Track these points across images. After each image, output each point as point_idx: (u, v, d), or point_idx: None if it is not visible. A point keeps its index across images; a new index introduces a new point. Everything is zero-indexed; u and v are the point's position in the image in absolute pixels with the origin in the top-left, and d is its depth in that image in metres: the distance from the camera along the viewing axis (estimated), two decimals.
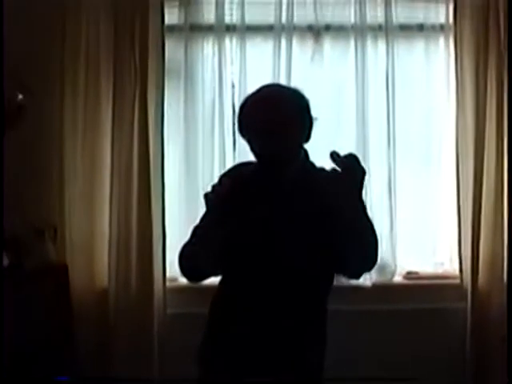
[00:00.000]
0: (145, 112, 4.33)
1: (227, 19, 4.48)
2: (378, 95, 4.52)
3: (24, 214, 4.28)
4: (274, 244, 2.52)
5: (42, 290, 4.19)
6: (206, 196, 2.47)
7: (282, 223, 2.51)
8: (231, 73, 4.51)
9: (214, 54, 4.47)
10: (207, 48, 4.51)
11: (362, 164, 2.45)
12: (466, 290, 4.47)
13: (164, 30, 4.39)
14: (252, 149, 2.56)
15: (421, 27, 4.57)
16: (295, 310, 2.56)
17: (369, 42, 4.50)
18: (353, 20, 4.49)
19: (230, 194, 2.43)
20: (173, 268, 4.00)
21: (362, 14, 4.47)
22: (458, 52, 4.46)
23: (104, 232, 4.38)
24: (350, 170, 2.39)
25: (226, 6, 4.47)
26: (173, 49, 4.46)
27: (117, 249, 4.35)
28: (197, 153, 4.45)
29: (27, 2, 4.29)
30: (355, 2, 4.47)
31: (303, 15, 4.50)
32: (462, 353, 4.46)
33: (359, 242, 2.44)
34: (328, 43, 4.53)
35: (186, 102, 4.47)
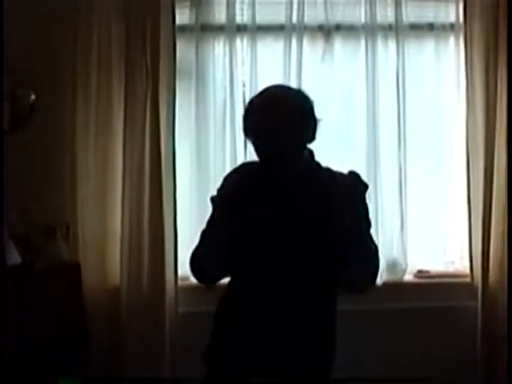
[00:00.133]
0: (156, 112, 4.35)
1: (238, 19, 4.49)
2: (388, 95, 4.53)
3: (37, 213, 4.30)
4: (279, 244, 2.53)
5: (54, 288, 4.20)
6: (212, 200, 2.50)
7: (286, 223, 2.52)
8: (242, 73, 4.52)
9: (225, 53, 4.49)
10: (218, 48, 4.52)
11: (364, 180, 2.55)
12: (477, 288, 4.49)
13: (175, 30, 4.40)
14: (256, 149, 2.57)
15: (431, 26, 4.58)
16: (302, 309, 2.57)
17: (379, 42, 4.52)
18: (363, 20, 4.51)
19: (234, 197, 2.46)
20: (184, 267, 3.99)
21: (373, 14, 4.48)
22: (468, 51, 4.47)
23: (116, 231, 4.40)
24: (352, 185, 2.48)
25: (237, 6, 4.49)
26: (184, 49, 4.48)
27: (129, 248, 4.37)
28: (208, 153, 4.47)
29: (39, 6, 4.31)
30: (365, 2, 4.49)
31: (314, 15, 4.51)
32: (472, 351, 4.47)
33: (357, 247, 2.46)
34: (338, 43, 4.55)
35: (197, 102, 4.49)
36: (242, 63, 4.53)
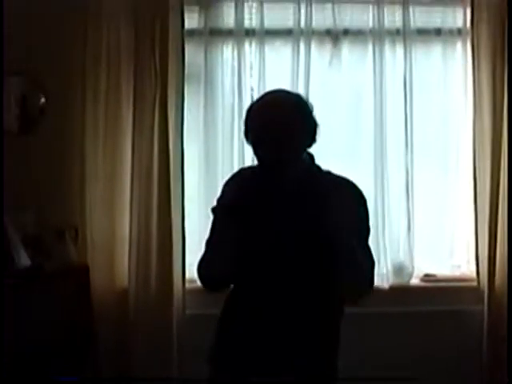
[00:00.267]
0: (165, 116, 4.37)
1: (246, 23, 4.52)
2: (395, 99, 4.55)
3: (46, 215, 4.34)
4: (280, 247, 2.54)
5: (63, 290, 4.23)
6: (214, 210, 2.53)
7: (287, 226, 2.53)
8: (250, 76, 4.54)
9: (233, 58, 4.51)
10: (227, 52, 4.55)
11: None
12: (483, 292, 4.50)
13: (184, 34, 4.43)
14: (256, 153, 2.59)
15: (438, 31, 4.60)
16: (303, 311, 2.57)
17: (387, 47, 4.54)
18: (371, 24, 4.53)
19: (235, 203, 2.47)
20: (192, 269, 4.02)
21: (380, 19, 4.50)
22: (475, 56, 4.49)
23: (124, 233, 4.43)
24: None
25: (246, 11, 4.51)
26: (193, 53, 4.50)
27: (137, 250, 4.40)
28: (216, 156, 4.49)
29: (49, 9, 4.34)
30: (373, 7, 4.51)
31: (322, 19, 4.54)
32: (478, 355, 4.48)
33: (351, 253, 2.46)
34: (346, 47, 4.57)
35: (205, 105, 4.51)
36: (251, 67, 4.54)
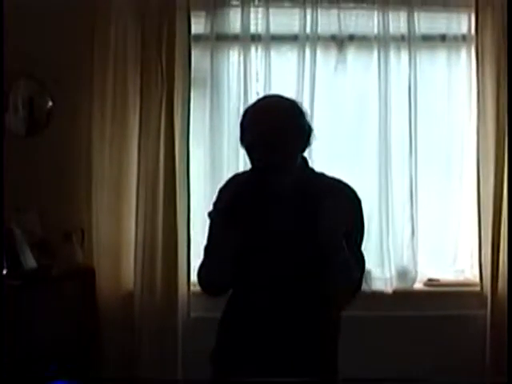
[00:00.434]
0: (171, 120, 4.40)
1: (252, 29, 4.55)
2: (400, 105, 4.57)
3: (52, 218, 4.36)
4: (276, 250, 2.57)
5: (68, 292, 4.26)
6: (210, 215, 2.55)
7: (282, 229, 2.56)
8: (256, 81, 4.56)
9: (239, 63, 4.53)
10: (233, 57, 4.57)
11: None
12: (486, 297, 4.51)
13: (190, 39, 4.46)
14: (249, 157, 2.62)
15: (443, 38, 4.62)
16: (301, 312, 2.59)
17: (392, 53, 4.56)
18: (376, 30, 4.55)
19: (231, 208, 2.49)
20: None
21: (385, 25, 4.53)
22: (480, 62, 4.50)
23: (130, 236, 4.46)
24: None
25: (252, 16, 4.54)
26: (199, 58, 4.53)
27: (143, 253, 4.42)
28: (222, 160, 4.51)
29: (57, 13, 4.37)
30: (378, 13, 4.53)
31: (327, 25, 4.56)
32: (481, 359, 4.50)
33: (342, 255, 2.48)
34: (351, 53, 4.59)
35: (211, 110, 4.53)
36: (256, 72, 4.57)
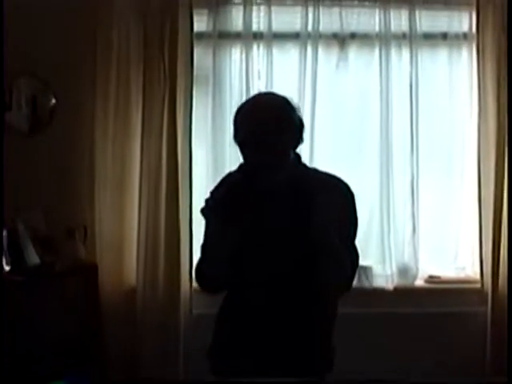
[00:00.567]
0: (173, 117, 4.42)
1: (255, 27, 4.56)
2: (401, 102, 4.59)
3: (55, 214, 4.38)
4: (269, 247, 2.59)
5: (71, 288, 4.29)
6: (202, 211, 2.56)
7: (273, 225, 2.59)
8: (258, 79, 4.57)
9: (241, 60, 4.54)
10: (235, 55, 4.58)
11: None
12: (487, 294, 4.53)
13: (193, 37, 4.47)
14: (242, 154, 2.63)
15: (444, 36, 4.63)
16: (296, 308, 2.61)
17: (393, 51, 4.57)
18: (377, 28, 4.57)
19: (221, 205, 2.51)
20: None
21: (387, 23, 4.54)
22: (481, 60, 4.52)
23: (133, 233, 4.48)
24: None
25: (254, 14, 4.55)
26: (201, 56, 4.54)
27: (145, 250, 4.44)
28: (224, 158, 4.52)
29: (60, 11, 4.39)
30: (380, 11, 4.55)
31: (329, 23, 4.58)
32: (482, 356, 4.52)
33: (334, 249, 2.50)
34: (353, 51, 4.61)
35: (213, 107, 4.54)
36: (258, 70, 4.58)
